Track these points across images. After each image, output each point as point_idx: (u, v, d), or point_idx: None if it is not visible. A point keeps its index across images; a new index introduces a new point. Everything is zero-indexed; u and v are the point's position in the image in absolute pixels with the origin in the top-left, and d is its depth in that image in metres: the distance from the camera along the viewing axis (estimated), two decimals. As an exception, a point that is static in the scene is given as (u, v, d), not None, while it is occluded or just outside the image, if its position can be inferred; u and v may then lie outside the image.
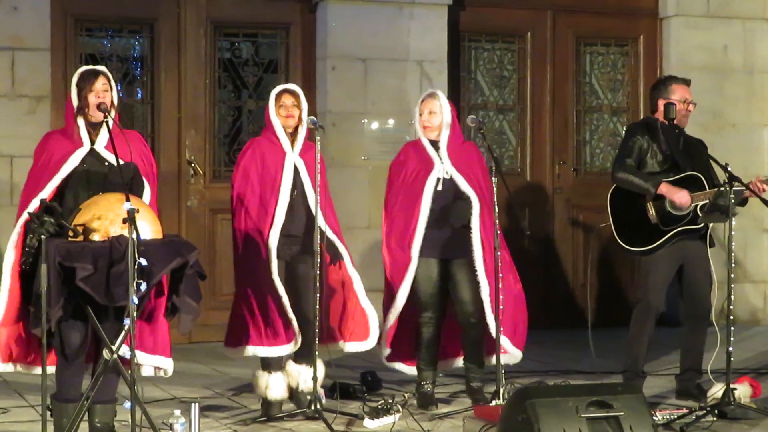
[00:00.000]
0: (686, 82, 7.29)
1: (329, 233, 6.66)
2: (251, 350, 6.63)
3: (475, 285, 6.88)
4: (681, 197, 6.98)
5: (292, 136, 6.69)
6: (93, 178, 5.85)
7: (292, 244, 6.64)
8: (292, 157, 6.65)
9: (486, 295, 6.81)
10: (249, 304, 6.61)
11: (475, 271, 6.85)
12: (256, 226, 6.58)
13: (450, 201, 6.88)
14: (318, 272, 6.48)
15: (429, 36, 9.79)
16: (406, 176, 6.97)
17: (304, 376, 6.66)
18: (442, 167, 6.91)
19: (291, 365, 6.74)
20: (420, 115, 6.98)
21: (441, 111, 6.95)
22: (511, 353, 6.92)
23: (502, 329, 6.68)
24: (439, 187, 6.89)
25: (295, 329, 6.58)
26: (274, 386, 6.61)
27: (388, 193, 7.08)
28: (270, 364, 6.66)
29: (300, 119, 6.68)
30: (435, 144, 6.96)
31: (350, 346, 6.89)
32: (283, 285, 6.55)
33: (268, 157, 6.64)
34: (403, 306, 6.93)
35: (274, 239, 6.56)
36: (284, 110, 6.65)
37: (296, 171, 6.64)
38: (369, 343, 6.89)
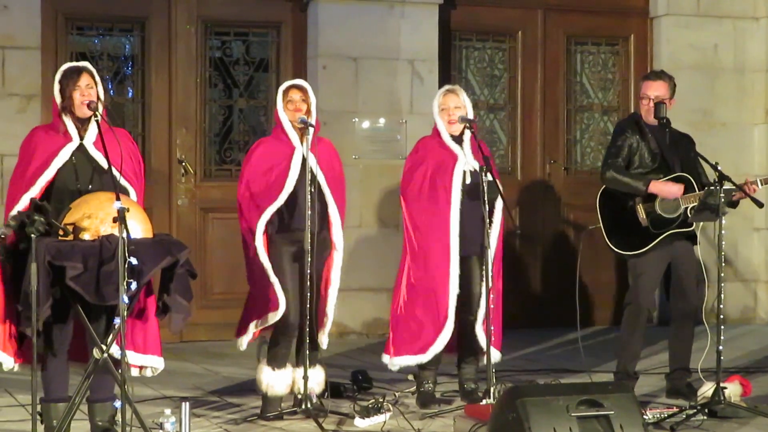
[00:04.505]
0: (651, 77, 7.23)
1: (337, 227, 6.66)
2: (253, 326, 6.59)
3: (480, 282, 6.88)
4: (672, 190, 6.97)
5: (302, 131, 6.61)
6: (81, 174, 5.85)
7: (301, 239, 6.51)
8: (301, 151, 6.56)
9: (484, 294, 6.81)
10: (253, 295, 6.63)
11: (483, 267, 6.84)
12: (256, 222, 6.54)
13: (474, 196, 6.79)
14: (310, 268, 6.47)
15: (420, 35, 9.79)
16: (428, 169, 6.91)
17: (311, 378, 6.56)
18: (466, 161, 6.91)
19: (293, 371, 6.66)
20: (442, 109, 6.97)
21: (465, 106, 6.96)
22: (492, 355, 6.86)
23: (492, 328, 6.69)
24: (467, 180, 6.89)
25: (280, 301, 6.49)
26: (276, 382, 6.57)
27: (407, 186, 6.99)
28: (276, 359, 6.60)
29: (309, 113, 6.65)
30: (455, 139, 6.97)
31: None
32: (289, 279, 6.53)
33: (276, 154, 6.58)
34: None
35: (261, 225, 6.48)
36: (291, 105, 6.63)
37: (307, 166, 6.49)
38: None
